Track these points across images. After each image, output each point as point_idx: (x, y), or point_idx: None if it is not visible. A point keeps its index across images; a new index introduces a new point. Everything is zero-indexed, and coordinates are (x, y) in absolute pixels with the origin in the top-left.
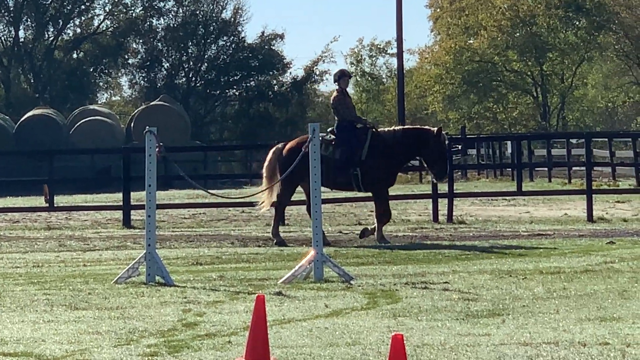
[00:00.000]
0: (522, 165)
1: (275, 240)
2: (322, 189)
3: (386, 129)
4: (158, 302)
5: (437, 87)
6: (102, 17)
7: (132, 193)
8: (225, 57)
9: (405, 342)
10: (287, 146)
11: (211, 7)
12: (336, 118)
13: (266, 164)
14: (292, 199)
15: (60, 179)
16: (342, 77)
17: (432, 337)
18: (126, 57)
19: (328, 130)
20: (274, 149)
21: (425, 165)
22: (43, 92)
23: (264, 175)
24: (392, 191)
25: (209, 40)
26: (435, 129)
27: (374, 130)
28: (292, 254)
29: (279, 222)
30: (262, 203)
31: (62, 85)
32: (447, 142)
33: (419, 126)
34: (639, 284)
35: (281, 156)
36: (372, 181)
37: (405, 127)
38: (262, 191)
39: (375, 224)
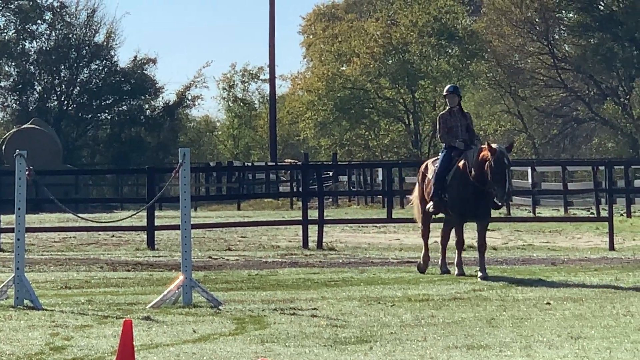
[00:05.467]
0: (393, 192)
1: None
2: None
3: None
4: (26, 326)
5: (309, 114)
6: None
7: (1, 216)
8: (97, 80)
9: None
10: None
11: (84, 31)
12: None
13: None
14: (161, 224)
15: None
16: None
17: None
18: None
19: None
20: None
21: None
22: None
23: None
24: (262, 217)
25: (81, 64)
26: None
27: None
28: (161, 279)
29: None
30: None
31: None
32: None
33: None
34: (507, 312)
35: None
36: None
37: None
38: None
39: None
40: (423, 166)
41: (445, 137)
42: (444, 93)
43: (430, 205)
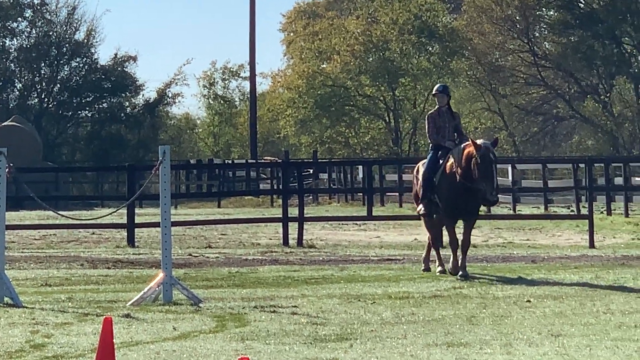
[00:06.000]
0: (373, 190)
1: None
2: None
3: None
4: (6, 323)
5: (289, 111)
6: None
7: None
8: (78, 78)
9: None
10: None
11: (64, 29)
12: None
13: None
14: (141, 222)
15: None
16: None
17: None
18: None
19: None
20: None
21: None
22: None
23: None
24: (243, 214)
25: (61, 62)
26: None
27: None
28: (142, 276)
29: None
30: None
31: None
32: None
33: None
34: (487, 309)
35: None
36: None
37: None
38: None
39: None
40: (415, 168)
41: (435, 137)
42: (433, 92)
43: (420, 207)
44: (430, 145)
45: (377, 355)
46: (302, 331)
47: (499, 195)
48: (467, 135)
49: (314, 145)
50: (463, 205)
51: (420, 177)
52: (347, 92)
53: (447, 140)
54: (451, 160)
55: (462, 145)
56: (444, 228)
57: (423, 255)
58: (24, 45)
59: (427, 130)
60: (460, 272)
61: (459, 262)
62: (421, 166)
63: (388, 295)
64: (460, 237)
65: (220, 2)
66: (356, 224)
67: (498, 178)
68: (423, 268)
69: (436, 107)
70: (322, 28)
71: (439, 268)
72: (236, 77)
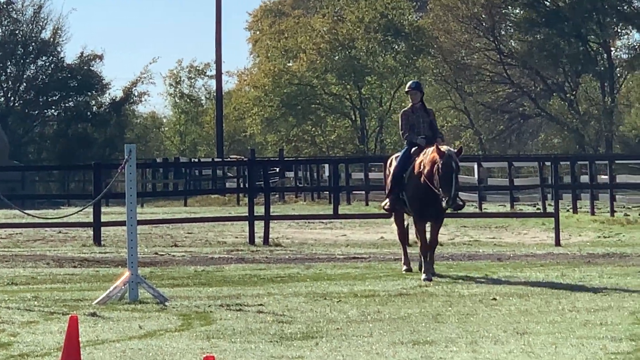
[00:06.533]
0: (339, 189)
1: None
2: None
3: None
4: None
5: (255, 110)
6: None
7: None
8: (44, 77)
9: None
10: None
11: (30, 27)
12: None
13: None
14: (107, 220)
15: None
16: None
17: (245, 359)
18: None
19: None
20: None
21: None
22: None
23: None
24: (210, 213)
25: (27, 60)
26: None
27: None
28: (108, 275)
29: None
30: None
31: None
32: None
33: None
34: (453, 307)
35: None
36: None
37: None
38: None
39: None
40: (388, 162)
41: (407, 135)
42: (406, 89)
43: (386, 202)
44: (406, 142)
45: (342, 354)
46: (268, 329)
47: (466, 193)
48: (442, 133)
49: (280, 143)
50: (429, 206)
51: (391, 170)
52: (313, 91)
53: (421, 137)
54: (420, 159)
55: (431, 148)
56: (411, 226)
57: (402, 255)
58: None
59: (400, 128)
60: (424, 275)
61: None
62: (394, 160)
63: (354, 294)
64: (428, 235)
65: (186, 0)
66: (322, 222)
67: (463, 176)
68: (404, 268)
69: (410, 104)
70: (288, 26)
71: (405, 267)
72: (202, 76)
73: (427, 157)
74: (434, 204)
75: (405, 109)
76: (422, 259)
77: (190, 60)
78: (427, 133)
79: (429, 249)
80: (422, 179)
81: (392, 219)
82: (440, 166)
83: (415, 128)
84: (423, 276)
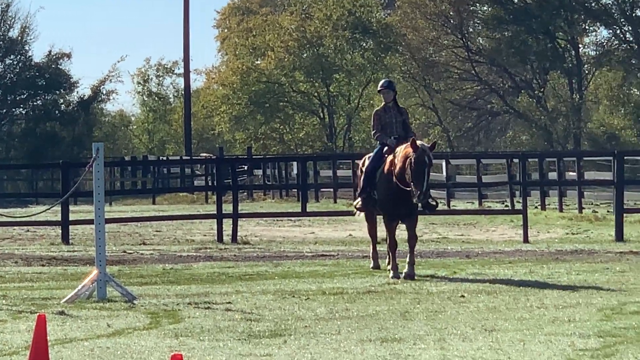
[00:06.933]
0: (308, 186)
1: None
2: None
3: None
4: None
5: (223, 108)
6: None
7: None
8: (12, 75)
9: None
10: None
11: None
12: None
13: None
14: (75, 219)
15: None
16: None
17: (214, 357)
18: None
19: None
20: None
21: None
22: None
23: None
24: (178, 211)
25: None
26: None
27: None
28: (76, 274)
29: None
30: None
31: None
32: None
33: None
34: (420, 304)
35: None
36: None
37: None
38: None
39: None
40: (362, 160)
41: (378, 135)
42: (379, 88)
43: (358, 201)
44: (378, 142)
45: (311, 351)
46: (236, 327)
47: (434, 198)
48: (414, 132)
49: (249, 141)
50: (399, 206)
51: (364, 169)
52: (281, 88)
53: (392, 137)
54: (390, 157)
55: (404, 145)
56: (380, 223)
57: (370, 252)
58: None
59: (372, 127)
60: (406, 270)
61: (407, 259)
62: (367, 160)
63: (322, 291)
64: (405, 235)
65: None
66: (291, 220)
67: (432, 173)
68: (372, 265)
69: (382, 103)
70: (256, 24)
71: (372, 263)
72: (170, 74)
73: (399, 154)
74: (405, 204)
75: (378, 108)
76: (390, 256)
77: (159, 58)
78: (400, 132)
79: (411, 245)
80: (393, 178)
81: (362, 216)
82: (413, 160)
83: (387, 128)
84: (391, 274)
